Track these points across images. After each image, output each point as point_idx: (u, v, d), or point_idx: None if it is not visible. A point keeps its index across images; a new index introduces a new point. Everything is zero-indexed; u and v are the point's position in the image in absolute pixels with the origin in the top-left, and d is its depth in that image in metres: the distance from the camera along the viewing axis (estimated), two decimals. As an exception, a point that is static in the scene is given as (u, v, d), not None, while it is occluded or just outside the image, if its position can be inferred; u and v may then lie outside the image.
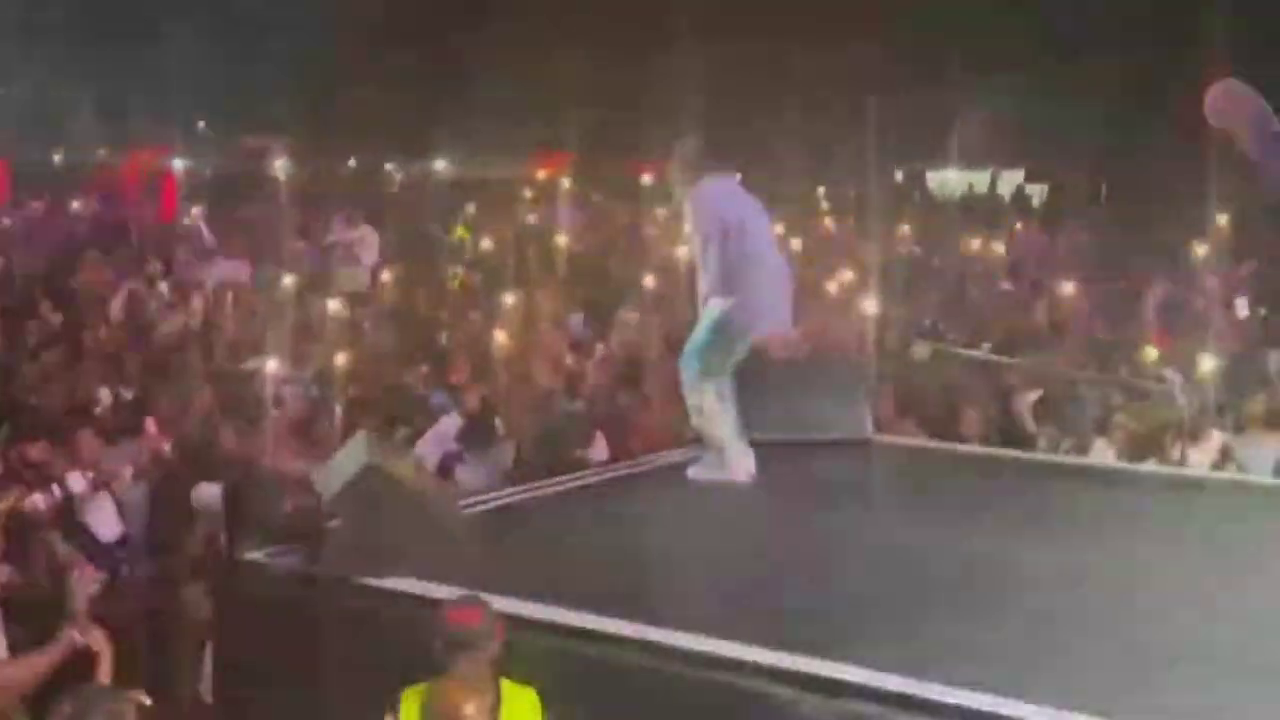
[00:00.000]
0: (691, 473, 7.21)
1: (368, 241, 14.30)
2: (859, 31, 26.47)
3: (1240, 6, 21.82)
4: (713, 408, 7.09)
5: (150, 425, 8.70)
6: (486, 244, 16.32)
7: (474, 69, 28.74)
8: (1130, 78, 26.08)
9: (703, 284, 7.11)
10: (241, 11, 28.86)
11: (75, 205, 20.64)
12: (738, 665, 4.64)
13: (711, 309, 7.06)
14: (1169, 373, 9.59)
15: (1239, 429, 8.84)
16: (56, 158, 30.26)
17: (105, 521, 7.51)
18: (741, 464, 7.16)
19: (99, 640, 4.69)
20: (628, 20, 26.84)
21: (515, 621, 4.76)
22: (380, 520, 5.53)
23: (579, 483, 7.22)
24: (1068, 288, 13.10)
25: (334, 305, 12.12)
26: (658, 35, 24.94)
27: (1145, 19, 26.25)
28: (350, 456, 5.87)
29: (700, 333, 7.12)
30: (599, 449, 9.04)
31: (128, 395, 9.59)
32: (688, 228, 7.40)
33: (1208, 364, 9.29)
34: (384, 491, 5.59)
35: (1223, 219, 17.45)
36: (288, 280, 12.68)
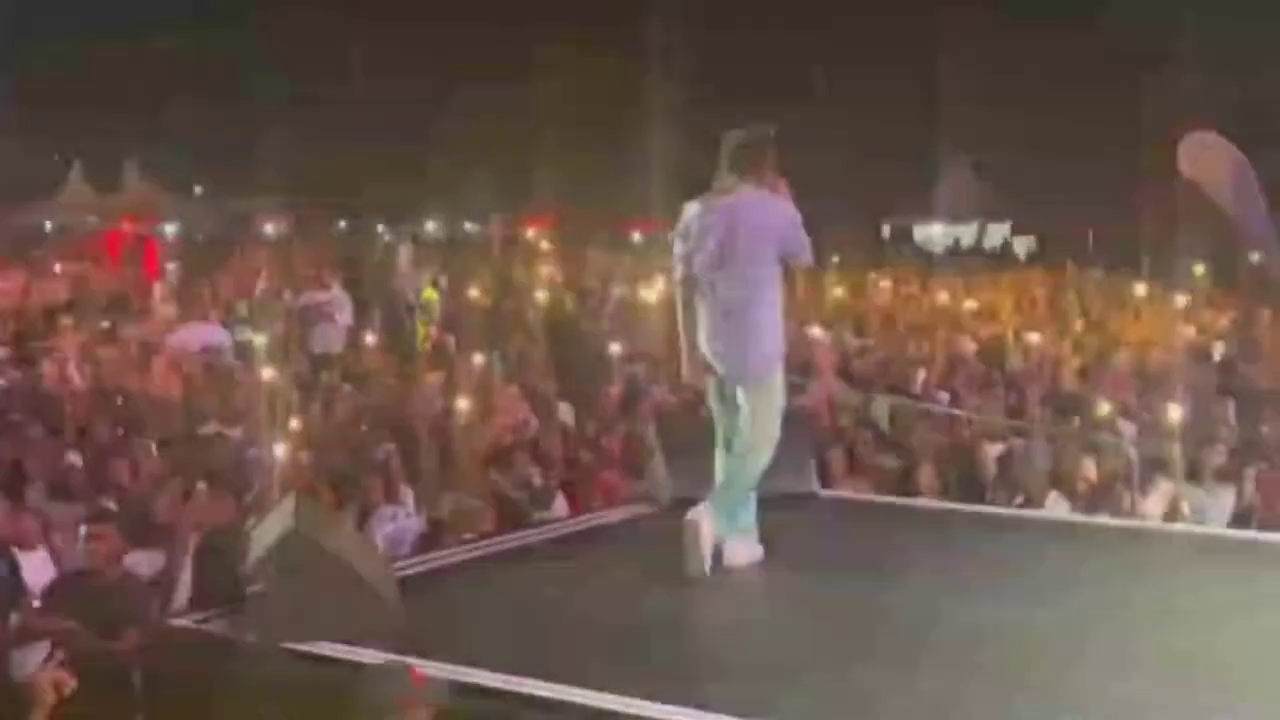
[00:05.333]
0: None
1: (339, 303, 14.31)
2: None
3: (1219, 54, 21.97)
4: None
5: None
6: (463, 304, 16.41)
7: (461, 128, 28.98)
8: (1114, 125, 26.19)
9: (766, 341, 6.13)
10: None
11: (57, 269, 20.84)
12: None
13: (776, 376, 6.19)
14: (1123, 424, 9.58)
15: (1195, 480, 8.81)
16: (48, 223, 30.41)
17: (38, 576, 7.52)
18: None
19: None
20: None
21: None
22: (300, 585, 5.50)
23: (518, 542, 7.17)
24: (1034, 339, 13.09)
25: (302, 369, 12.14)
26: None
27: (1128, 66, 26.38)
28: (275, 521, 5.86)
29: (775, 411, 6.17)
30: (559, 509, 9.05)
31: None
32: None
33: (1170, 414, 9.25)
34: (305, 556, 5.57)
35: (1199, 269, 17.50)
36: (258, 342, 12.71)
